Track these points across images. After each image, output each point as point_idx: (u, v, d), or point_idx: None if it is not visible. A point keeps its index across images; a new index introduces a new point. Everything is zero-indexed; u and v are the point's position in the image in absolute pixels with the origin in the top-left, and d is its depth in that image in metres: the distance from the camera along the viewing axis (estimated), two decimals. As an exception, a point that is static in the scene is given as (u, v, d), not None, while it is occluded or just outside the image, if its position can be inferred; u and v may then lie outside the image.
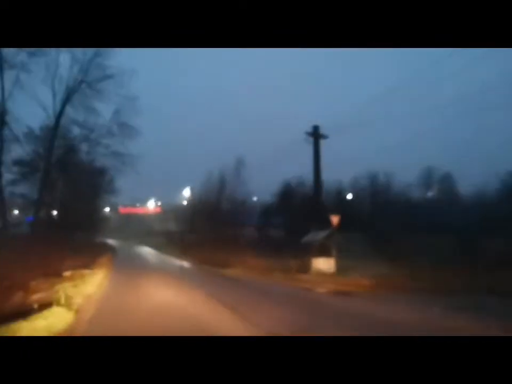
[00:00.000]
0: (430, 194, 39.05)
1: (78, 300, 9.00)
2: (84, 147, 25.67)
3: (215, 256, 22.30)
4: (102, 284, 12.83)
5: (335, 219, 15.96)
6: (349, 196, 35.35)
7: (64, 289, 9.94)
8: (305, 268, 15.72)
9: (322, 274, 14.94)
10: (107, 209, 55.28)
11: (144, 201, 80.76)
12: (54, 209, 28.31)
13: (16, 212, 31.70)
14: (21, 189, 25.27)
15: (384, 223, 22.77)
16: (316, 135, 18.59)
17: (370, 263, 15.00)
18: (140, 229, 68.21)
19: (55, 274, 12.54)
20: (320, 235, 16.34)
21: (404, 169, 38.19)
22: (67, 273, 13.93)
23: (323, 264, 15.53)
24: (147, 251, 41.94)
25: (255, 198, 39.17)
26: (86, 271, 15.59)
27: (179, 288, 12.24)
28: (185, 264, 25.68)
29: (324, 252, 15.70)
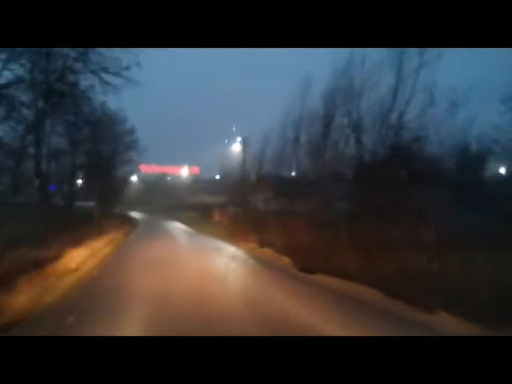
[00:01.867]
0: None
1: None
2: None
3: (364, 251, 8.68)
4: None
5: None
6: None
7: None
8: None
9: None
10: (133, 177, 44.90)
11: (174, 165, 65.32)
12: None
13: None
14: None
15: None
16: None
17: None
18: (168, 201, 58.22)
19: None
20: None
21: None
22: None
23: None
24: (181, 229, 29.36)
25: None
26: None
27: None
28: (284, 266, 10.66)
29: None
